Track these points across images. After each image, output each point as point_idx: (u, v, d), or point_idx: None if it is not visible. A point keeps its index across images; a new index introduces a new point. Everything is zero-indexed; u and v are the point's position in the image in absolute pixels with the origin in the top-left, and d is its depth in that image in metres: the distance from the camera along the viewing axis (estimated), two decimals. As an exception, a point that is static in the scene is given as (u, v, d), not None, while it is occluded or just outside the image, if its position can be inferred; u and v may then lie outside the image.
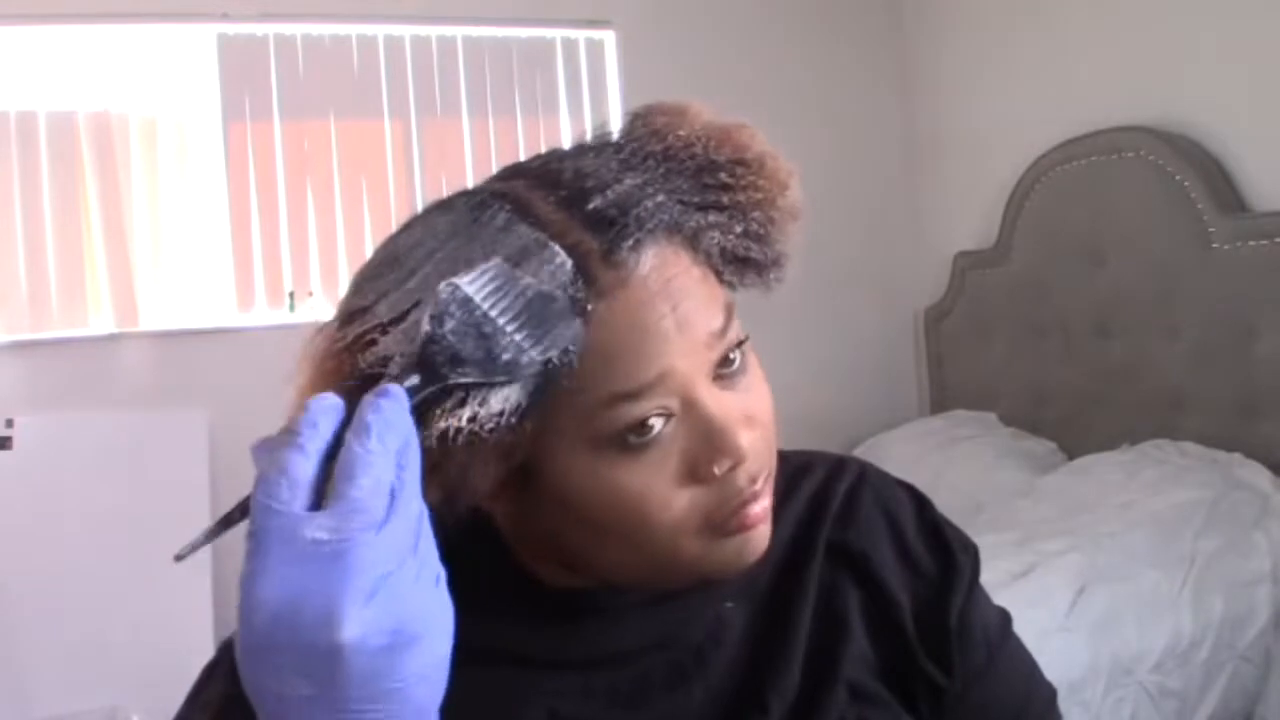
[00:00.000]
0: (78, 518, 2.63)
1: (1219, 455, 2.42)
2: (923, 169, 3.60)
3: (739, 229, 0.58)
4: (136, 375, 2.88)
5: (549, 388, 0.51)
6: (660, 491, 0.55)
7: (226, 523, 0.44)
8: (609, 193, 0.54)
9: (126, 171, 2.93)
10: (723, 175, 0.57)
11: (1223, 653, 2.03)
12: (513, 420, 0.50)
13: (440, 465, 0.50)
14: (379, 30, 3.12)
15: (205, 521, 2.78)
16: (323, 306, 3.01)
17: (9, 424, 2.70)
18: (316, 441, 0.43)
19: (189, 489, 2.76)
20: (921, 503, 0.73)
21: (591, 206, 0.53)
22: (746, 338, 0.59)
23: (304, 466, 0.42)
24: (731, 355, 0.58)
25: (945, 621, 0.68)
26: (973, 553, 0.72)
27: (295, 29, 3.05)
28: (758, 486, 0.57)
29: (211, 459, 2.81)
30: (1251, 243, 2.47)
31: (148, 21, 2.93)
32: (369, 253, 0.62)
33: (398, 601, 0.41)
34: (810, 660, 0.65)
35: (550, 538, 0.60)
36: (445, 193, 0.63)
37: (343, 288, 0.59)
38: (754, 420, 0.58)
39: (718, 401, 0.56)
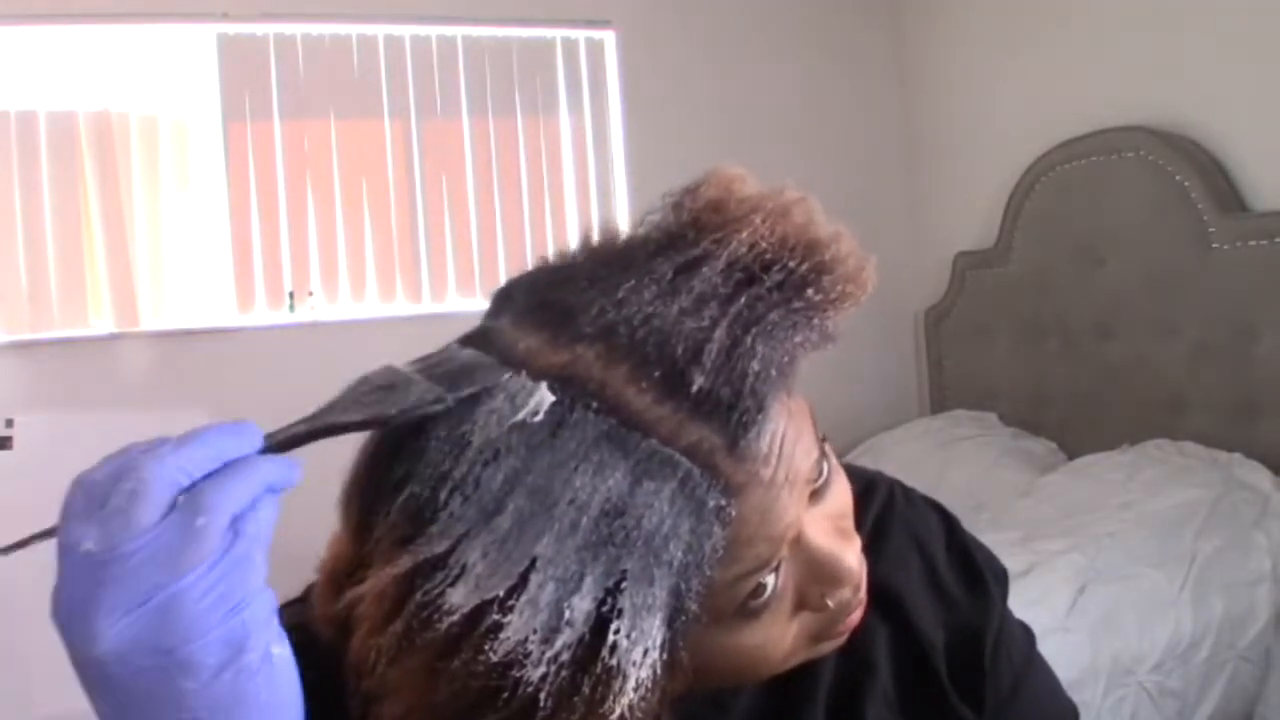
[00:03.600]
0: (78, 518, 2.63)
1: (1219, 455, 2.42)
2: (923, 169, 3.60)
3: (815, 336, 0.50)
4: (136, 375, 2.88)
5: (686, 613, 0.45)
6: (778, 636, 0.52)
7: (51, 532, 0.42)
8: (705, 360, 0.45)
9: (126, 171, 2.93)
10: (810, 293, 0.48)
11: (1223, 653, 2.03)
12: (664, 657, 0.44)
13: None
14: (379, 30, 3.12)
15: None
16: (322, 306, 3.02)
17: (9, 424, 2.70)
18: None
19: (189, 489, 2.76)
20: (951, 527, 0.71)
21: (697, 388, 0.45)
22: (825, 437, 0.54)
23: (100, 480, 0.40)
24: (823, 467, 0.53)
25: (979, 660, 0.66)
26: (1003, 579, 0.70)
27: (295, 29, 3.05)
28: (862, 594, 0.55)
29: (211, 459, 2.81)
30: (1251, 243, 2.47)
31: (148, 21, 2.93)
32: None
33: (173, 619, 0.38)
34: (832, 701, 0.63)
35: None
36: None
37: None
38: (843, 524, 0.54)
39: (820, 530, 0.52)
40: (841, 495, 0.55)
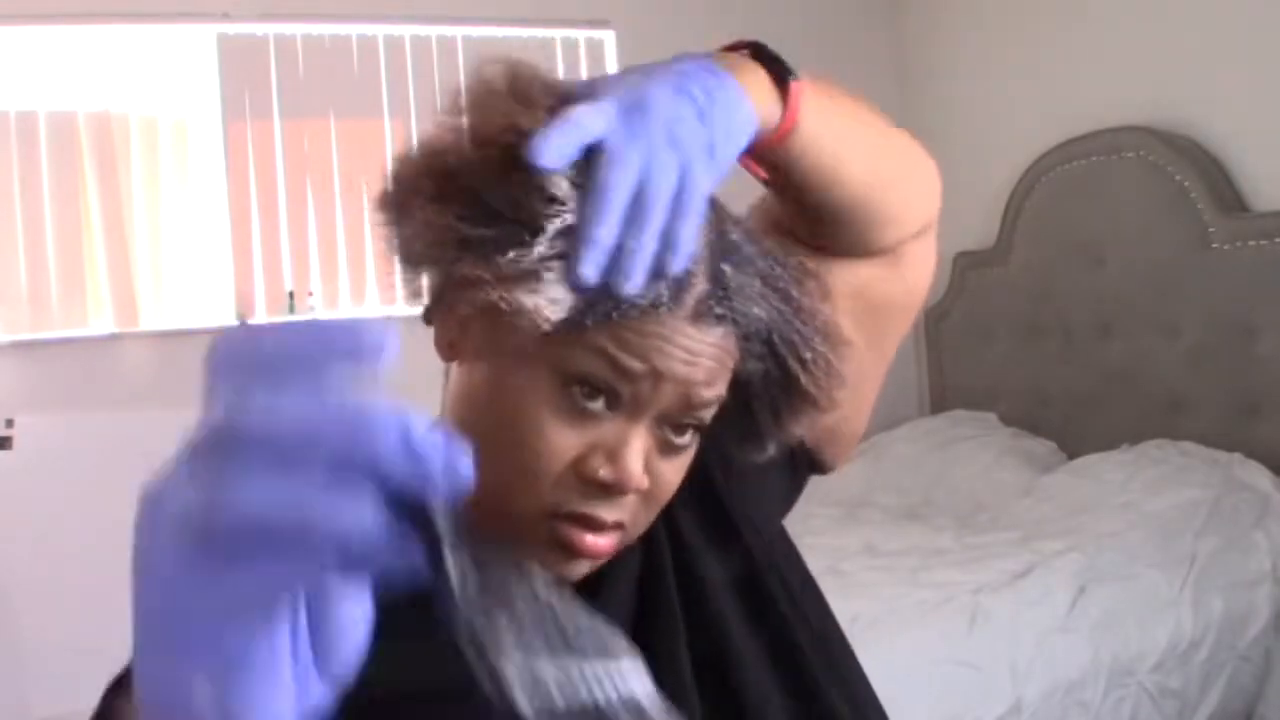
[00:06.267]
0: (78, 518, 2.63)
1: (1219, 455, 2.42)
2: (923, 169, 3.60)
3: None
4: (136, 375, 2.88)
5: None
6: (555, 442, 0.56)
7: None
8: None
9: (126, 171, 2.93)
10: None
11: (1223, 653, 2.03)
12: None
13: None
14: (379, 30, 3.12)
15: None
16: (322, 307, 3.01)
17: (9, 424, 2.70)
18: None
19: (189, 489, 2.76)
20: None
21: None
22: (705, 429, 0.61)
23: None
24: (689, 422, 0.59)
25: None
26: None
27: (295, 29, 3.05)
28: (606, 519, 0.58)
29: (211, 459, 2.81)
30: (1251, 243, 2.47)
31: (148, 21, 2.93)
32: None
33: None
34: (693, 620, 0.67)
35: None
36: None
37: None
38: (652, 486, 0.59)
39: (653, 442, 0.58)
40: (671, 476, 0.60)
